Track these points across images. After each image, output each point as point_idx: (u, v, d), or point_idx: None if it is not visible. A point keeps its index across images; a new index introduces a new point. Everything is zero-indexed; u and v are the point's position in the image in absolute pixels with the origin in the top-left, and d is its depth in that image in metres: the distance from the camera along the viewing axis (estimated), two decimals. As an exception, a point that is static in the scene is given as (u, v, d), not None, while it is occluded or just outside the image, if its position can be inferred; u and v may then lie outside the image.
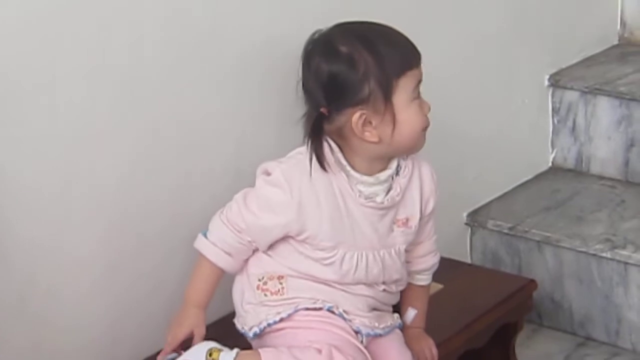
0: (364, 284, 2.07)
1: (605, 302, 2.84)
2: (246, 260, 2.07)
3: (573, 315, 2.90)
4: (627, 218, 2.93)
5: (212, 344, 1.96)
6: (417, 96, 2.00)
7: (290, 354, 1.96)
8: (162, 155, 2.21)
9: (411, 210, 2.10)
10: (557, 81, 3.18)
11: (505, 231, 2.96)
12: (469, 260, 3.03)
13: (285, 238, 2.03)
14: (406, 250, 2.14)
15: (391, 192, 2.05)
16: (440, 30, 2.79)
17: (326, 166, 1.99)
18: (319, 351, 1.94)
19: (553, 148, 3.24)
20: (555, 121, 3.22)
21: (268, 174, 2.01)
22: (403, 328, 2.21)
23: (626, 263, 2.77)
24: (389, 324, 2.12)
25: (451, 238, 2.96)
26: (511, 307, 2.49)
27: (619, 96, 3.08)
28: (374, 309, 2.11)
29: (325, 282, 2.05)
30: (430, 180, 2.13)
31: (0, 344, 2.01)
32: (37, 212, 2.03)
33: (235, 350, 1.95)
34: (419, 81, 2.00)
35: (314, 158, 1.99)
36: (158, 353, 2.07)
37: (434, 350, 2.22)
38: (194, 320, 2.05)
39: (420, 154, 2.11)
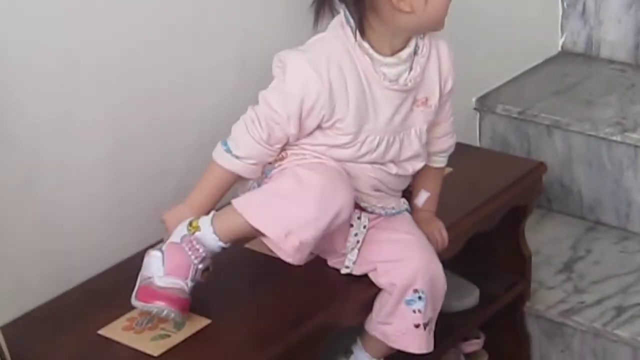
0: (376, 164, 2.07)
1: (615, 186, 2.84)
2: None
3: (583, 199, 2.90)
4: (637, 101, 2.92)
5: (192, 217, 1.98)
6: None
7: (259, 191, 2.00)
8: (165, 46, 2.19)
9: (431, 89, 2.09)
10: (565, -38, 3.15)
11: (514, 115, 2.95)
12: (478, 144, 3.02)
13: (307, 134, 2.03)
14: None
15: (412, 73, 2.04)
16: None
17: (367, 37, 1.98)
18: (295, 175, 1.97)
19: (562, 32, 3.22)
20: (565, 5, 3.18)
21: (287, 64, 1.98)
22: (413, 210, 2.22)
23: (636, 146, 2.77)
24: (391, 206, 2.13)
25: (460, 122, 2.90)
26: (520, 189, 2.48)
27: (631, -23, 3.06)
28: (378, 190, 2.11)
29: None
30: (448, 58, 2.11)
31: (7, 225, 2.01)
32: (45, 93, 2.02)
33: (212, 212, 1.99)
34: None
35: (357, 32, 1.97)
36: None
37: (444, 233, 2.23)
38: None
39: (437, 33, 2.08)
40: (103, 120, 2.12)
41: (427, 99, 2.09)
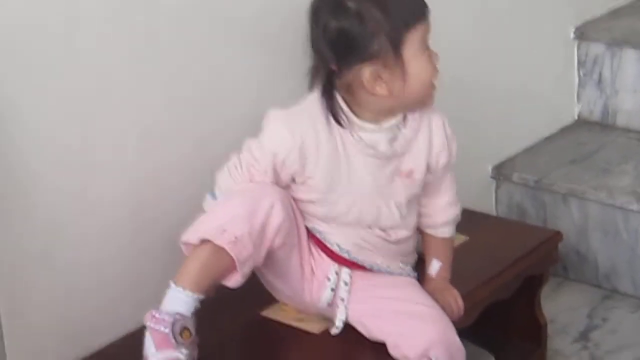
0: (358, 225, 2.08)
1: (631, 254, 2.83)
2: None
3: (599, 267, 2.90)
4: (654, 171, 2.93)
5: None
6: (426, 48, 2.00)
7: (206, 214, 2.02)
8: (183, 109, 2.23)
9: (417, 162, 2.08)
10: (582, 33, 3.16)
11: (531, 184, 2.95)
12: (494, 214, 3.02)
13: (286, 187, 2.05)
14: (421, 205, 2.16)
15: (396, 142, 2.05)
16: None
17: (341, 119, 2.01)
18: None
19: (579, 101, 3.22)
20: (581, 74, 3.20)
21: (268, 121, 2.02)
22: (428, 280, 2.21)
23: (652, 216, 2.77)
24: (385, 265, 2.13)
25: (476, 191, 2.96)
26: (537, 259, 2.47)
27: (645, 48, 3.07)
28: (363, 249, 2.11)
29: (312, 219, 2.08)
30: (442, 133, 2.10)
31: (27, 293, 2.03)
32: (62, 162, 2.04)
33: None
34: (428, 32, 2.00)
35: (330, 115, 2.01)
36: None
37: (460, 302, 2.21)
38: None
39: (437, 107, 2.09)
40: (119, 193, 2.14)
41: (411, 172, 2.08)
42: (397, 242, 2.15)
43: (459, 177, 2.83)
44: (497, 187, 3.03)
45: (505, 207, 3.01)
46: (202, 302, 1.94)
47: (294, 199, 2.05)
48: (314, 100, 2.02)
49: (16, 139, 1.96)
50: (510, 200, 3.01)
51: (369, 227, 2.09)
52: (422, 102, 2.05)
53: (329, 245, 2.10)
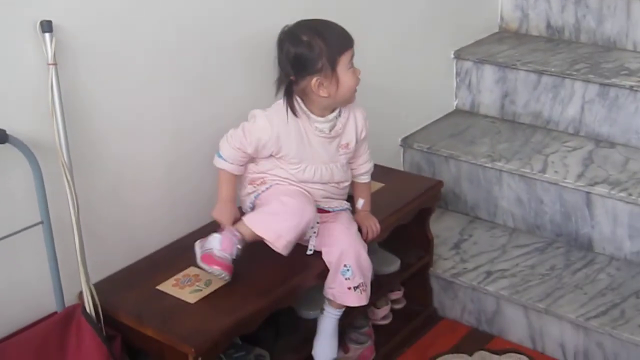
0: (320, 182, 2.07)
1: (487, 195, 2.80)
2: (245, 166, 2.06)
3: (467, 202, 2.86)
4: (502, 142, 2.88)
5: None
6: (351, 66, 2.00)
7: (260, 211, 2.00)
8: (200, 111, 2.17)
9: (349, 138, 2.09)
10: (459, 55, 3.10)
11: (425, 150, 2.90)
12: (402, 169, 2.97)
13: (269, 157, 2.02)
14: (350, 163, 2.14)
15: (335, 128, 2.05)
16: (381, 25, 2.72)
17: (296, 112, 2.00)
18: (280, 200, 1.98)
19: (456, 98, 3.17)
20: (458, 80, 3.14)
21: (255, 117, 2.01)
22: (356, 212, 2.19)
23: (501, 170, 2.73)
24: (334, 205, 2.12)
25: (390, 155, 2.92)
26: (426, 198, 2.44)
27: (497, 65, 3.01)
28: (326, 197, 2.10)
29: (292, 182, 2.05)
30: (362, 119, 2.12)
31: (100, 218, 1.98)
32: (124, 131, 1.99)
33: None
34: (353, 56, 2.00)
35: (289, 109, 2.00)
36: (204, 227, 2.08)
37: (377, 225, 2.20)
38: (230, 211, 2.04)
39: (358, 103, 2.09)
40: (159, 152, 2.09)
41: (347, 144, 2.09)
42: (344, 188, 2.15)
43: (380, 145, 2.81)
44: (404, 152, 2.97)
45: (409, 165, 2.97)
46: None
47: (279, 170, 2.03)
48: (281, 103, 2.01)
49: (94, 118, 1.91)
50: (412, 160, 2.96)
51: (327, 182, 2.08)
52: (349, 100, 2.05)
53: None
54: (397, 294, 2.57)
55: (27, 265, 1.83)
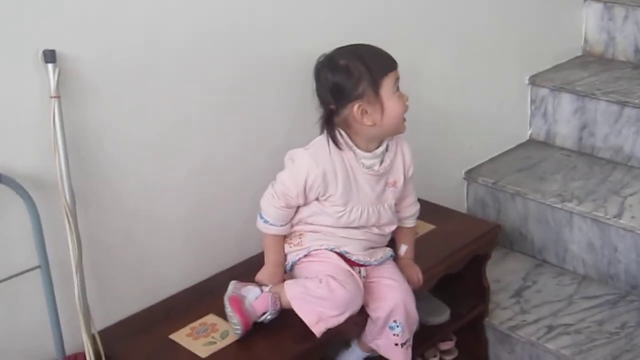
0: (363, 228, 1.87)
1: (556, 237, 2.55)
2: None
3: (534, 244, 2.61)
4: (576, 179, 2.62)
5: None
6: (397, 90, 1.78)
7: (302, 282, 1.79)
8: (227, 145, 2.00)
9: (397, 175, 1.88)
10: (534, 81, 2.85)
11: (490, 185, 2.67)
12: (465, 205, 2.75)
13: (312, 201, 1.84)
14: (395, 205, 1.92)
15: (383, 164, 1.84)
16: (443, 44, 2.50)
17: (340, 146, 1.79)
18: (320, 280, 1.77)
19: (530, 126, 2.92)
20: (533, 108, 2.89)
21: (294, 159, 1.81)
22: (397, 259, 1.99)
23: (571, 212, 2.47)
24: (379, 256, 1.92)
25: (452, 188, 2.70)
26: (481, 243, 2.21)
27: (576, 93, 2.75)
28: (370, 248, 1.90)
29: (332, 231, 1.85)
30: (409, 154, 1.91)
31: (114, 259, 1.85)
32: (141, 167, 1.84)
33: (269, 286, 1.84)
34: (397, 79, 1.78)
35: (331, 141, 1.79)
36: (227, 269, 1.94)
37: (420, 275, 2.00)
38: (279, 277, 1.88)
39: (407, 135, 1.88)
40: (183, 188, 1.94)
41: (395, 182, 1.88)
42: (388, 234, 1.96)
43: (439, 178, 2.60)
44: (468, 186, 2.74)
45: (473, 200, 2.74)
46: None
47: (319, 216, 1.85)
48: (323, 138, 1.81)
49: (110, 148, 1.76)
50: (476, 196, 2.73)
51: (371, 226, 1.88)
52: (398, 129, 1.83)
53: (349, 257, 1.87)
54: (448, 344, 2.36)
55: (28, 310, 1.71)
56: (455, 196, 2.69)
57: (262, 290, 1.82)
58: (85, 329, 1.69)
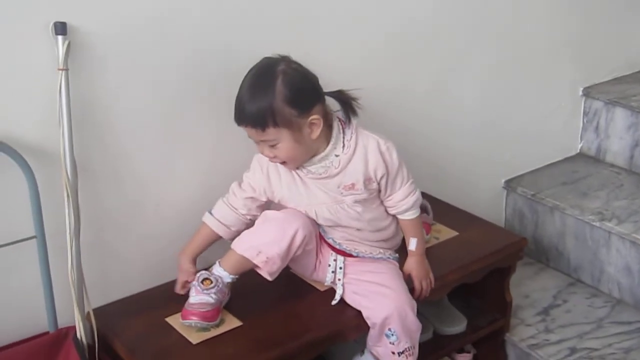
0: (337, 225, 1.84)
1: (593, 257, 2.43)
2: (239, 232, 1.82)
3: (570, 261, 2.50)
4: (620, 198, 2.50)
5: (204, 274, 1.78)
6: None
7: (247, 231, 1.79)
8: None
9: (356, 177, 1.78)
10: (588, 93, 2.73)
11: (529, 196, 2.57)
12: (503, 215, 2.65)
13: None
14: (386, 202, 1.85)
15: (330, 168, 1.76)
16: (490, 48, 2.41)
17: None
18: (263, 216, 1.78)
19: (581, 140, 2.80)
20: (585, 121, 2.77)
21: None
22: (410, 254, 1.91)
23: (610, 232, 2.35)
24: (362, 250, 1.87)
25: (491, 197, 2.62)
26: (503, 255, 2.10)
27: (631, 109, 2.62)
28: (349, 240, 1.86)
29: None
30: (377, 152, 1.78)
31: (120, 241, 1.84)
32: (151, 151, 1.83)
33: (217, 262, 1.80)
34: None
35: None
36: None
37: (428, 282, 1.92)
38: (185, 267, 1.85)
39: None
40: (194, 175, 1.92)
41: (353, 184, 1.78)
42: (379, 232, 1.88)
43: (480, 186, 2.53)
44: (507, 196, 2.65)
45: (511, 210, 2.64)
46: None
47: None
48: None
49: (117, 122, 1.76)
50: (515, 206, 2.63)
51: (337, 225, 1.83)
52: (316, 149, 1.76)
53: (326, 239, 1.86)
54: (465, 356, 2.27)
55: (25, 280, 1.71)
56: (494, 206, 2.60)
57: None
58: (77, 302, 1.68)
